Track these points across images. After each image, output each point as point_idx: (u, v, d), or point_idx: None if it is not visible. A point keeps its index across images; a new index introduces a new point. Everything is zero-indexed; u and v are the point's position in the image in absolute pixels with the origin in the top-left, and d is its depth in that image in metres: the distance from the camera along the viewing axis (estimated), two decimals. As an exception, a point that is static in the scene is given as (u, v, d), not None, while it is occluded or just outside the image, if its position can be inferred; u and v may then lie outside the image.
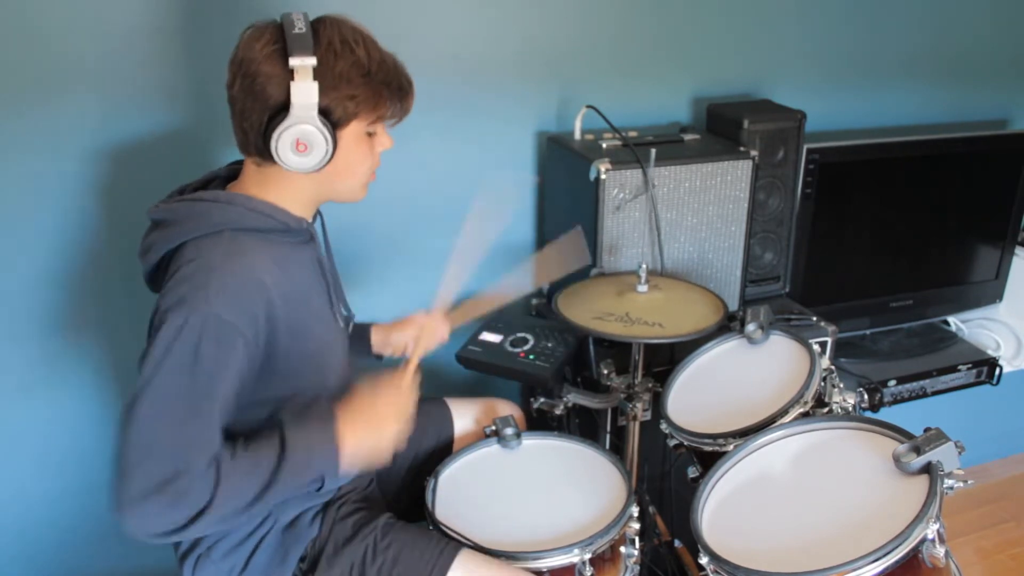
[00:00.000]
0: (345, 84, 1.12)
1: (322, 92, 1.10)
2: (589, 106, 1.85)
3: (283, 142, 1.11)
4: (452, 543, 1.26)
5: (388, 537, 1.28)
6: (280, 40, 1.09)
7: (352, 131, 1.16)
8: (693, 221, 1.80)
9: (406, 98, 1.20)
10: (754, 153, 1.79)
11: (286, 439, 1.11)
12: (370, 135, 1.20)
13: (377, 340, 1.54)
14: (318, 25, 1.12)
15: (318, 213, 1.29)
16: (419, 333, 1.48)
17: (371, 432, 1.17)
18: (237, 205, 1.16)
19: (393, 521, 1.31)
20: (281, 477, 1.09)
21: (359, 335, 1.53)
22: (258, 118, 1.12)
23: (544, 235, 2.03)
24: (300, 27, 1.09)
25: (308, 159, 1.13)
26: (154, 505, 1.02)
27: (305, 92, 1.09)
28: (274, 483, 1.09)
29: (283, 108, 1.10)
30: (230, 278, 1.09)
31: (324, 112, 1.11)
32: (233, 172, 1.26)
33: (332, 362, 1.29)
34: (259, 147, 1.14)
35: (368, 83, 1.14)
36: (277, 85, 1.10)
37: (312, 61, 1.08)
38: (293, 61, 1.08)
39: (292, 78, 1.08)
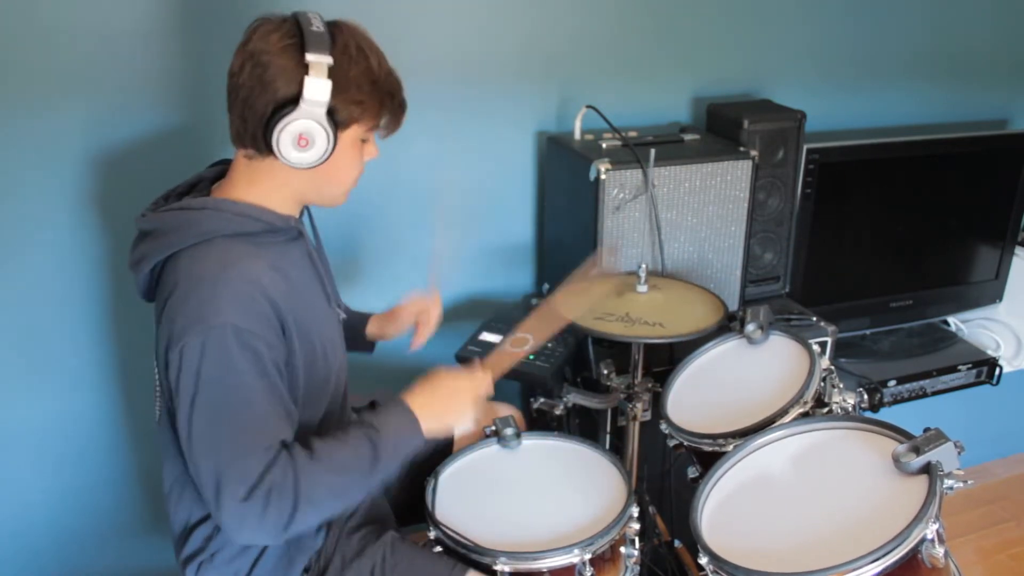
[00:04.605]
0: (355, 89, 1.13)
1: (333, 93, 1.11)
2: (589, 106, 1.84)
3: (286, 134, 1.11)
4: (460, 565, 1.26)
5: (396, 556, 1.28)
6: (297, 35, 1.10)
7: (350, 135, 1.17)
8: (693, 221, 1.80)
9: (401, 113, 1.22)
10: (754, 153, 1.79)
11: (368, 423, 1.15)
12: (363, 142, 1.21)
13: (374, 329, 1.56)
14: (333, 28, 1.14)
15: (306, 209, 1.30)
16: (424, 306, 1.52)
17: (445, 406, 1.22)
18: (224, 211, 1.16)
19: (401, 538, 1.32)
20: (373, 461, 1.13)
21: (352, 323, 1.54)
22: (263, 108, 1.12)
23: (544, 235, 2.03)
24: (318, 26, 1.11)
25: (307, 155, 1.13)
26: (249, 516, 1.06)
27: (318, 88, 1.10)
28: (369, 468, 1.13)
29: (290, 102, 1.11)
30: (234, 286, 1.09)
31: (330, 112, 1.13)
32: (219, 173, 1.27)
33: (338, 354, 1.31)
34: (257, 138, 1.14)
35: (375, 91, 1.16)
36: (289, 79, 1.10)
37: (328, 60, 1.10)
38: (310, 57, 1.09)
39: (307, 72, 1.09)
